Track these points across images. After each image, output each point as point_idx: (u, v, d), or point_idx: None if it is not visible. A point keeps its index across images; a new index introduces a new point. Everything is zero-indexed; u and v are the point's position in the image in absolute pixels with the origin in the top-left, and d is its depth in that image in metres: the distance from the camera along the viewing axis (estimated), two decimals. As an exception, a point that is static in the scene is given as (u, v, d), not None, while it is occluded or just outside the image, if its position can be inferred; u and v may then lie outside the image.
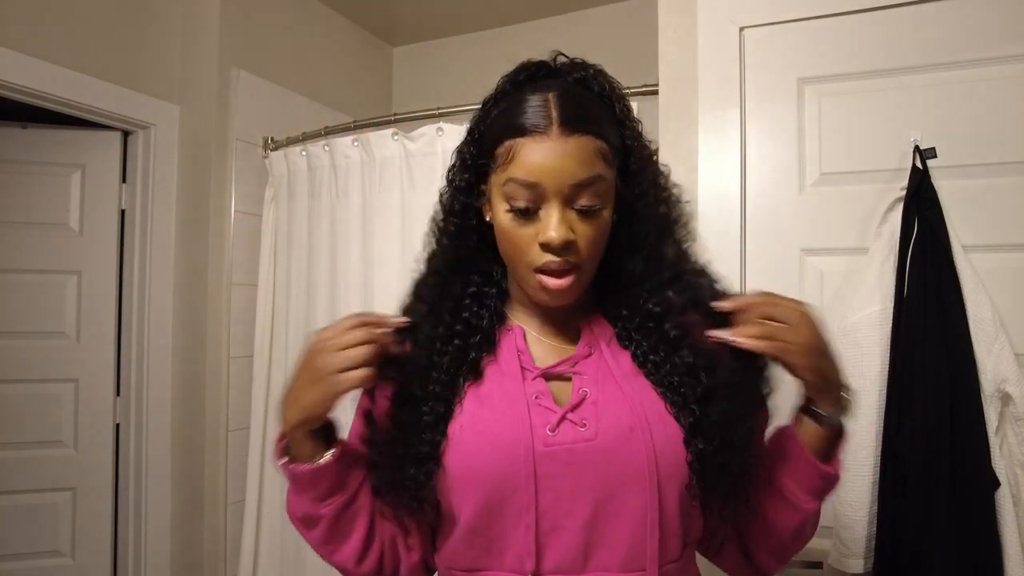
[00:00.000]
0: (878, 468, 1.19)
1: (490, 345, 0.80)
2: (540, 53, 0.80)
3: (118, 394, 2.15)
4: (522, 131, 0.72)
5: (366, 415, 0.80)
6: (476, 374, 0.78)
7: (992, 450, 1.13)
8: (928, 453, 1.13)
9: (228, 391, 2.17)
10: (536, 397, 0.76)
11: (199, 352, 2.15)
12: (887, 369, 1.21)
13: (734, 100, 1.43)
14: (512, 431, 0.73)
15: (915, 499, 1.14)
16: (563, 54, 0.79)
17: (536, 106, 0.73)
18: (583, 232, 0.73)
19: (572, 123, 0.71)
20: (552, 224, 0.71)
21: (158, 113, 2.10)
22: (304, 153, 2.09)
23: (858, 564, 1.20)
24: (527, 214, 0.73)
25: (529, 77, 0.77)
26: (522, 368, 0.78)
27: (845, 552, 1.22)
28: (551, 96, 0.73)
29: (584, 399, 0.76)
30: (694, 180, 1.46)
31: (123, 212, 2.15)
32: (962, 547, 1.11)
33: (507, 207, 0.74)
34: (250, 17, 2.23)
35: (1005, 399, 1.15)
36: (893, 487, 1.17)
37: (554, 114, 0.72)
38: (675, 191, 0.82)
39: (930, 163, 1.23)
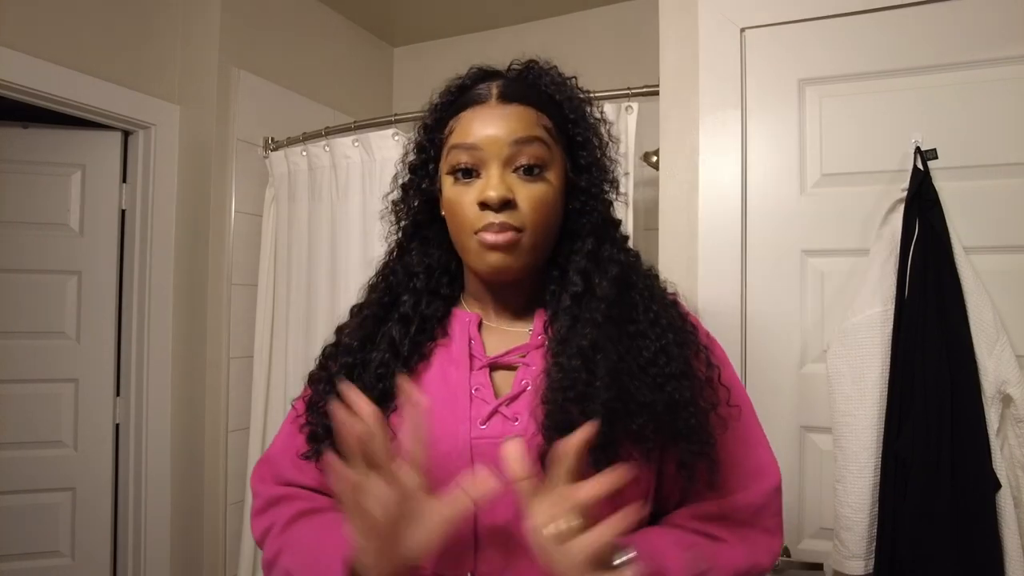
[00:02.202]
0: (879, 469, 1.19)
1: (443, 332, 0.80)
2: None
3: (118, 394, 2.15)
4: (464, 106, 0.77)
5: (308, 402, 0.80)
6: (420, 361, 0.77)
7: (993, 452, 1.13)
8: (929, 454, 1.13)
9: (228, 391, 2.16)
10: (476, 389, 0.74)
11: (199, 352, 2.15)
12: (888, 370, 1.20)
13: (735, 101, 1.43)
14: (443, 426, 0.71)
15: (916, 500, 1.13)
16: (517, 61, 0.82)
17: (479, 88, 0.77)
18: (525, 194, 0.73)
19: (511, 96, 0.75)
20: (492, 183, 0.72)
21: (158, 113, 2.10)
22: (304, 153, 2.09)
23: (858, 565, 1.20)
24: (469, 176, 0.74)
25: (480, 78, 0.80)
26: (471, 356, 0.77)
27: (846, 553, 1.22)
28: (494, 81, 0.78)
29: (523, 392, 0.73)
30: (694, 181, 1.46)
31: (123, 212, 2.15)
32: (963, 549, 1.11)
33: (449, 173, 0.76)
34: (250, 17, 2.23)
35: (1006, 401, 1.15)
36: (894, 488, 1.17)
37: (494, 91, 0.76)
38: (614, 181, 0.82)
39: (931, 164, 1.23)
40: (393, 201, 0.87)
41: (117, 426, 2.15)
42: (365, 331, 0.79)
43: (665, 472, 0.74)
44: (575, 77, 0.82)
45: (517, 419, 0.71)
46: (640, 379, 0.69)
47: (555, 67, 0.81)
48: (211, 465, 2.15)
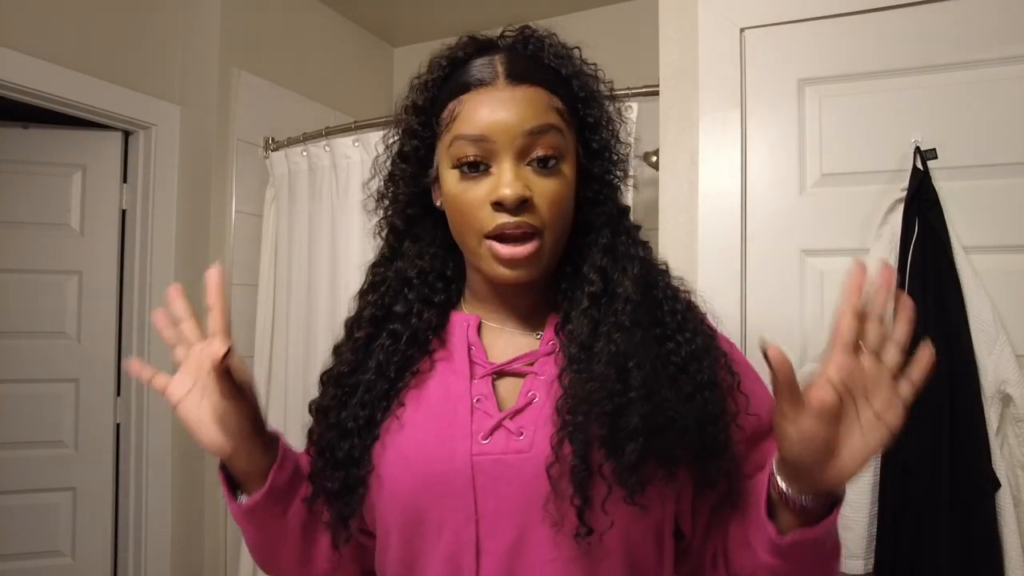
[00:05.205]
0: (878, 469, 1.19)
1: (440, 343, 0.73)
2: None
3: (118, 394, 2.15)
4: (466, 88, 0.66)
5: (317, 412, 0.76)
6: (412, 378, 0.71)
7: (992, 451, 1.13)
8: (929, 454, 1.13)
9: (228, 391, 2.16)
10: (478, 400, 0.68)
11: (199, 352, 2.14)
12: (888, 370, 1.20)
13: (735, 101, 1.43)
14: (442, 441, 0.66)
15: (915, 500, 1.14)
16: (510, 28, 0.73)
17: (480, 64, 0.68)
18: (542, 190, 0.65)
19: (520, 75, 0.66)
20: (506, 179, 0.63)
21: (159, 113, 2.10)
22: (305, 153, 2.10)
23: (858, 565, 1.20)
24: (477, 170, 0.65)
25: (476, 51, 0.71)
26: (472, 364, 0.70)
27: (845, 552, 1.22)
28: (496, 56, 0.68)
29: (530, 404, 0.67)
30: (695, 181, 1.46)
31: (124, 212, 2.15)
32: (962, 548, 1.11)
33: (454, 167, 0.67)
34: (250, 17, 2.23)
35: (1005, 400, 1.15)
36: (893, 488, 1.17)
37: (500, 69, 0.67)
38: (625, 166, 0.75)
39: (931, 164, 1.23)
40: (379, 192, 0.77)
41: (118, 426, 2.15)
42: (357, 356, 0.73)
43: (682, 494, 0.69)
44: (578, 47, 0.73)
45: (522, 433, 0.65)
46: (673, 389, 0.64)
47: (554, 34, 0.72)
48: (212, 464, 2.12)
